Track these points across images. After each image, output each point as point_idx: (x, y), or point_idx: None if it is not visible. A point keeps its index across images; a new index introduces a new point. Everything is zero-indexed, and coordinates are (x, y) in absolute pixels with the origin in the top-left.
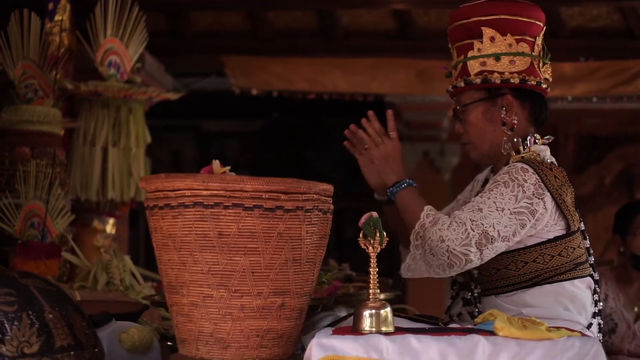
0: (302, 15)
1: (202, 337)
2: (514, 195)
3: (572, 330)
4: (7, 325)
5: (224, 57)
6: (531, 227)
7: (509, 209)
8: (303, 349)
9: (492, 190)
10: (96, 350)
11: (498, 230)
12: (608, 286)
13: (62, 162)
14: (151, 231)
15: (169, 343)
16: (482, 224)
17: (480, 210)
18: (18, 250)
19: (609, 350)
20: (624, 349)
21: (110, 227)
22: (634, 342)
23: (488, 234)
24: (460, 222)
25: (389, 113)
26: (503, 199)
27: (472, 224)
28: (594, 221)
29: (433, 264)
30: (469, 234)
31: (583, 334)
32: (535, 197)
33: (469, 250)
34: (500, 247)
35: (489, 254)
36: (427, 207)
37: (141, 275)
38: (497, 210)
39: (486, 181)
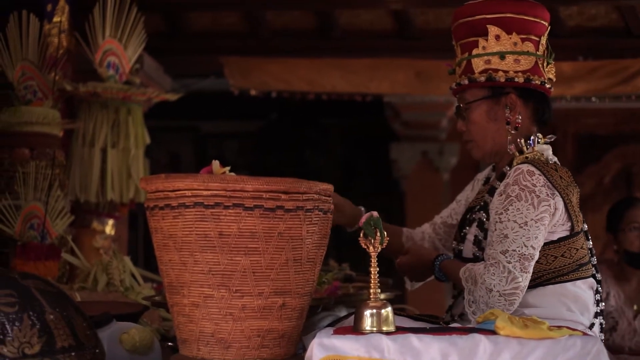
0: (300, 16)
1: (203, 338)
2: (530, 205)
3: (574, 329)
4: (8, 326)
5: (222, 57)
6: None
7: (532, 219)
8: (304, 349)
9: (508, 210)
10: (97, 351)
11: (531, 245)
12: (609, 284)
13: (62, 163)
14: (152, 232)
15: (169, 344)
16: (515, 250)
17: (506, 236)
18: (18, 251)
19: (610, 349)
20: (625, 346)
21: (109, 228)
22: (634, 339)
23: (524, 254)
24: (495, 262)
25: None
26: (522, 213)
27: (506, 256)
28: (593, 220)
29: None
30: (508, 269)
31: (585, 333)
32: (549, 197)
33: (518, 282)
34: (537, 255)
35: (532, 267)
36: (461, 272)
37: (141, 276)
38: (521, 228)
39: (487, 180)
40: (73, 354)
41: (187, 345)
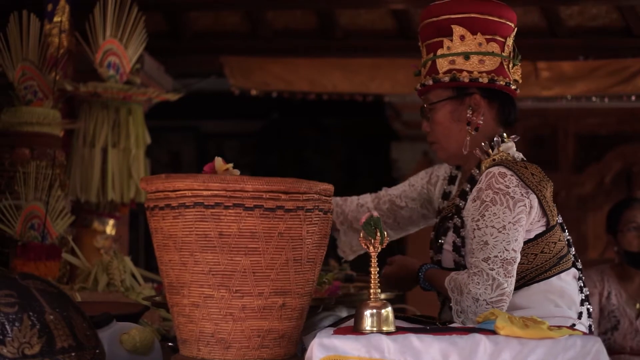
0: (301, 15)
1: (203, 338)
2: (506, 208)
3: (574, 330)
4: (8, 327)
5: (223, 57)
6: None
7: (509, 222)
8: (304, 349)
9: (484, 215)
10: (97, 351)
11: (512, 249)
12: (610, 283)
13: (62, 164)
14: (152, 232)
15: (170, 344)
16: (497, 256)
17: (486, 243)
18: (18, 251)
19: (612, 348)
20: (627, 346)
21: (110, 228)
22: (636, 339)
23: (507, 259)
24: (478, 270)
25: None
26: (499, 217)
27: (489, 263)
28: (594, 220)
29: None
30: (492, 276)
31: (585, 333)
32: (524, 196)
33: (503, 288)
34: (519, 257)
35: (515, 270)
36: (446, 282)
37: (141, 276)
38: (500, 232)
39: (451, 178)
40: (73, 354)
41: (187, 346)
